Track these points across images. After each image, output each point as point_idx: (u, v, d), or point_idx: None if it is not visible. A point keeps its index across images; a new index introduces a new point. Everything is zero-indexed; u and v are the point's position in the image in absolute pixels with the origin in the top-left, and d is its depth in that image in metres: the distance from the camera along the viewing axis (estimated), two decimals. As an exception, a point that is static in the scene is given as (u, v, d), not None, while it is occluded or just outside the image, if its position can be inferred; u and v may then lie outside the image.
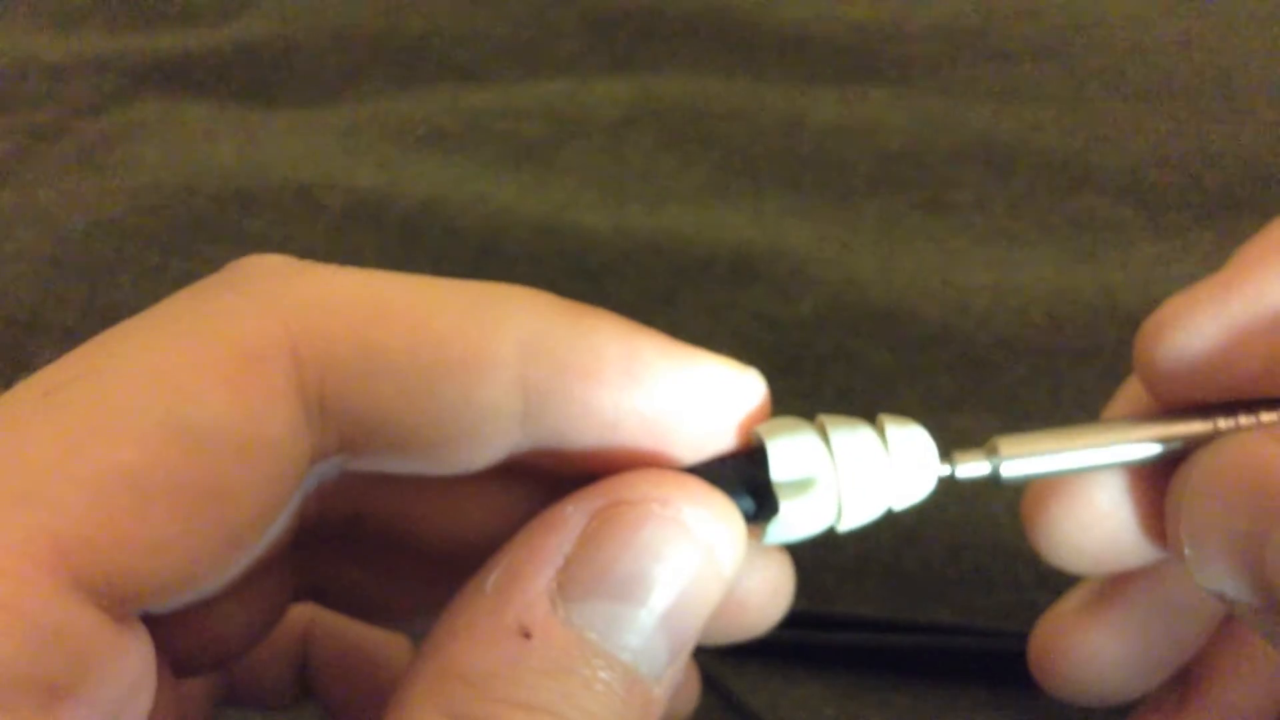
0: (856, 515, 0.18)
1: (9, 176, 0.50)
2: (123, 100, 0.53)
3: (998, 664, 0.31)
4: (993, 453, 0.20)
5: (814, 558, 0.34)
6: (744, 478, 0.17)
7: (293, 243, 0.45)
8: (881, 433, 0.18)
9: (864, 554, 0.33)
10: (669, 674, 0.16)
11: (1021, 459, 0.19)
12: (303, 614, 0.24)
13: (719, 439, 0.18)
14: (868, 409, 0.38)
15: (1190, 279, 0.44)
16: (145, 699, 0.15)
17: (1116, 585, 0.24)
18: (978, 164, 0.47)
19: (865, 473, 0.18)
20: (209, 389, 0.15)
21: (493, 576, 0.16)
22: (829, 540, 0.34)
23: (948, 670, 0.31)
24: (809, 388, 0.38)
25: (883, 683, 0.31)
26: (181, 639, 0.18)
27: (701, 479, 0.17)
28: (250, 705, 0.24)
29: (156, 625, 0.18)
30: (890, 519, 0.34)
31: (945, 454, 0.19)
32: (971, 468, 0.20)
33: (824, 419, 0.18)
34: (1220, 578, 0.18)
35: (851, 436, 0.18)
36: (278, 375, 0.16)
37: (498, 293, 0.17)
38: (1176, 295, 0.21)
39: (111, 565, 0.14)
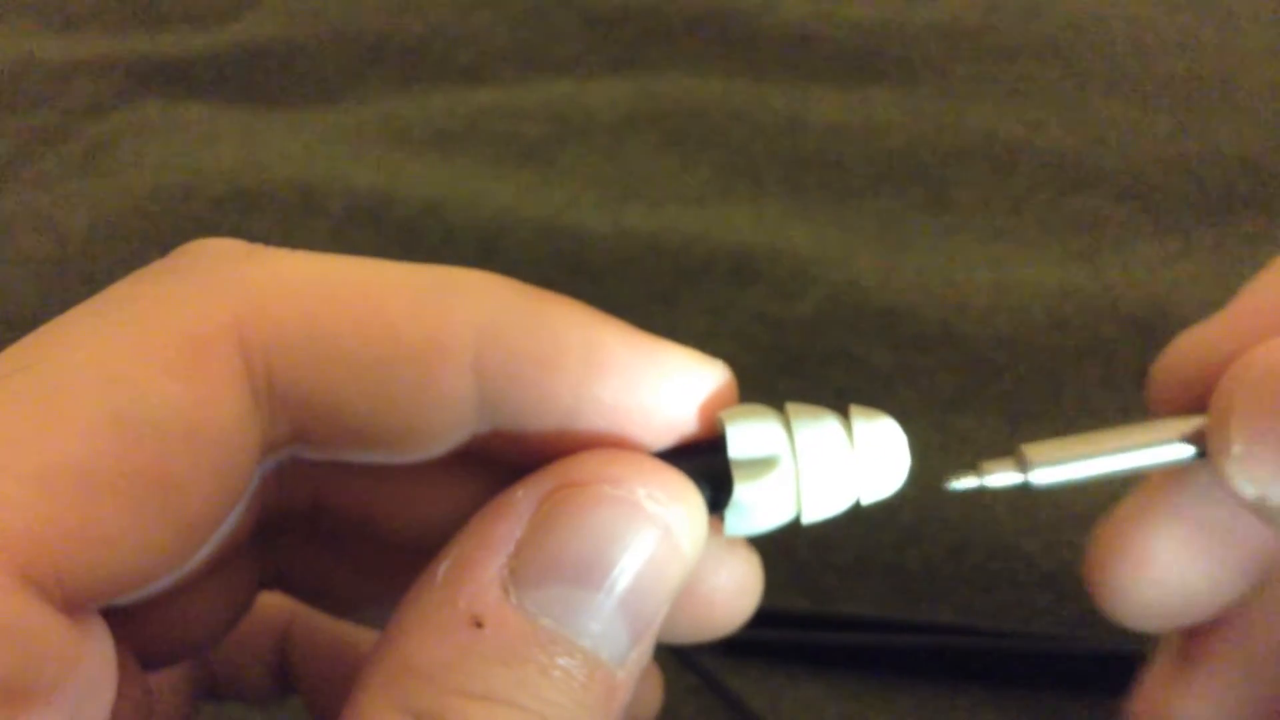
0: (819, 507, 0.18)
1: (10, 178, 0.50)
2: (124, 101, 0.54)
3: (998, 664, 0.31)
4: (1022, 461, 0.19)
5: (815, 558, 0.34)
6: (704, 463, 0.17)
7: (293, 244, 0.45)
8: (848, 424, 0.18)
9: (865, 554, 0.33)
10: (633, 658, 0.16)
11: (1052, 466, 0.19)
12: (282, 608, 0.23)
13: (681, 429, 0.17)
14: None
15: (1191, 279, 0.44)
16: (106, 695, 0.15)
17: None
18: (979, 164, 0.47)
19: (827, 463, 0.17)
20: (154, 378, 0.15)
21: (443, 566, 0.16)
22: (829, 540, 0.34)
23: (948, 670, 0.31)
24: (809, 388, 0.38)
25: (884, 683, 0.31)
26: (146, 631, 0.18)
27: (656, 458, 0.17)
28: (231, 699, 0.24)
29: (120, 618, 0.17)
30: (890, 519, 0.34)
31: (972, 464, 0.19)
32: (1001, 478, 0.19)
33: (791, 408, 0.18)
34: (1271, 478, 0.17)
35: (815, 426, 0.17)
36: (225, 362, 0.15)
37: (454, 277, 0.16)
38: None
39: (63, 561, 0.14)
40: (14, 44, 0.57)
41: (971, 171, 0.46)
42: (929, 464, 0.36)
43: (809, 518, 0.18)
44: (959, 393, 0.38)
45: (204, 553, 0.17)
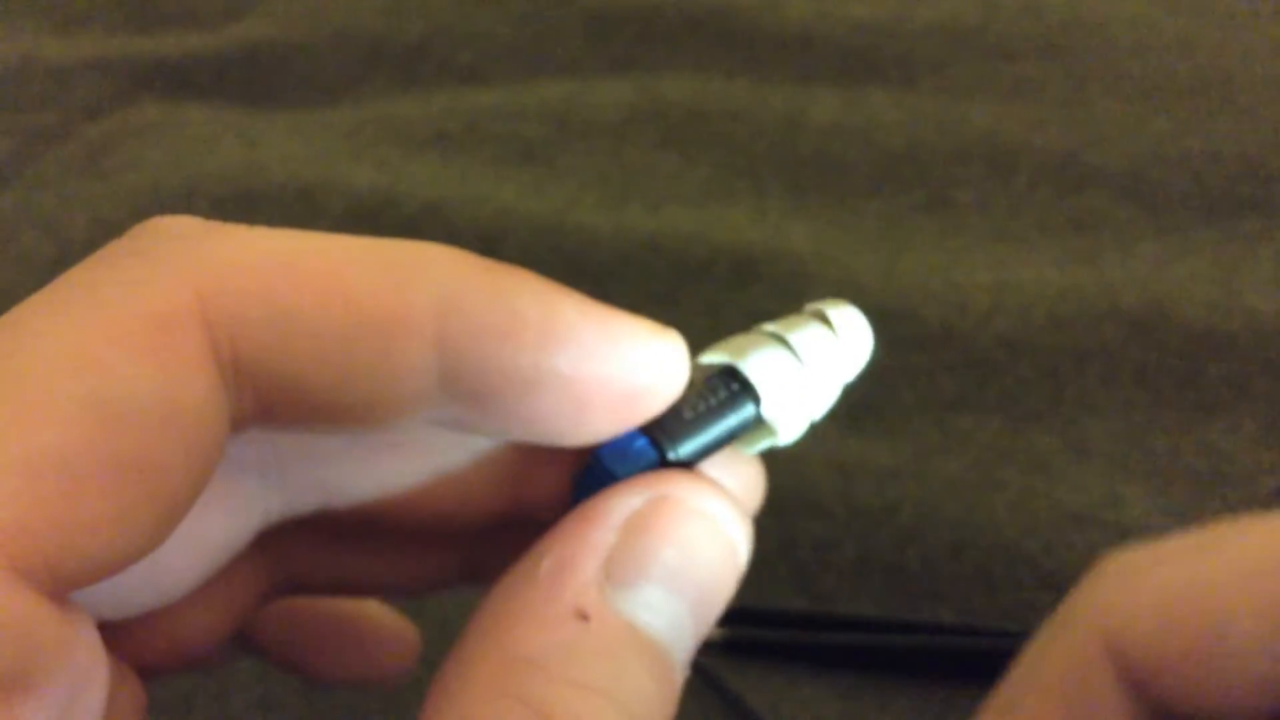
0: (826, 400, 0.19)
1: (11, 178, 0.50)
2: (124, 102, 0.54)
3: (998, 664, 0.31)
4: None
5: (815, 558, 0.34)
6: (733, 401, 0.18)
7: (294, 244, 0.45)
8: (824, 318, 0.19)
9: (865, 554, 0.33)
10: (690, 659, 0.17)
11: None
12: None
13: (636, 396, 0.18)
14: (868, 408, 0.38)
15: (1191, 279, 0.44)
16: (98, 691, 0.15)
17: None
18: (979, 163, 0.47)
19: (826, 358, 0.19)
20: (123, 361, 0.15)
21: (545, 562, 0.16)
22: (829, 540, 0.34)
23: (948, 670, 0.31)
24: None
25: (884, 683, 0.31)
26: (147, 643, 0.18)
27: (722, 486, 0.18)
28: (184, 669, 0.24)
29: (121, 631, 0.18)
30: (890, 519, 0.34)
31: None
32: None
33: (767, 326, 0.19)
34: None
35: (803, 329, 0.19)
36: (191, 340, 0.15)
37: (414, 250, 0.17)
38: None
39: (48, 548, 0.14)
40: (14, 44, 0.57)
41: (971, 171, 0.46)
42: (929, 464, 0.36)
43: (819, 414, 0.19)
44: (959, 393, 0.38)
45: (203, 568, 0.17)
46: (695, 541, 0.17)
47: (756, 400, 0.18)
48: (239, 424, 0.17)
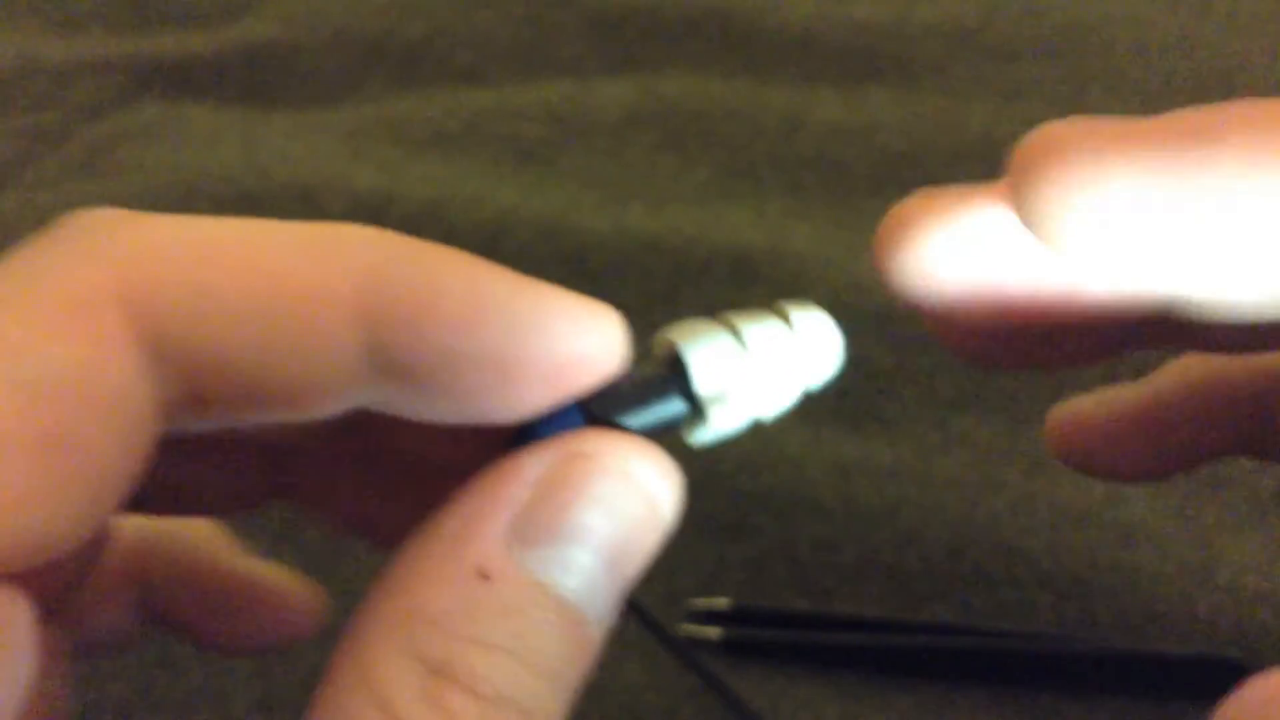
0: (776, 400, 0.19)
1: (11, 179, 0.50)
2: (125, 103, 0.54)
3: (998, 664, 0.31)
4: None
5: (814, 558, 0.34)
6: (668, 384, 0.18)
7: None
8: (784, 316, 0.19)
9: (864, 554, 0.33)
10: (607, 616, 0.17)
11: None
12: (136, 544, 0.23)
13: (569, 373, 0.17)
14: (868, 409, 0.38)
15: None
16: (24, 660, 0.16)
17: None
18: (979, 164, 0.47)
19: (777, 355, 0.18)
20: (43, 341, 0.15)
21: (451, 521, 0.16)
22: (829, 540, 0.34)
23: (948, 670, 0.31)
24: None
25: (883, 683, 0.31)
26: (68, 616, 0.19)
27: (643, 436, 0.18)
28: (94, 656, 0.24)
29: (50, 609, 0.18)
30: (890, 519, 0.34)
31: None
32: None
33: (727, 315, 0.19)
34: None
35: (759, 323, 0.18)
36: (110, 322, 0.16)
37: (335, 231, 0.17)
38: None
39: None
40: (14, 45, 0.57)
41: (971, 172, 0.46)
42: (929, 464, 0.36)
43: (769, 413, 0.19)
44: (959, 393, 0.38)
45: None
46: (608, 498, 0.17)
47: (689, 380, 0.18)
48: (172, 412, 0.17)
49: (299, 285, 0.16)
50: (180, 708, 0.31)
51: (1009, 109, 0.49)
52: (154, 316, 0.16)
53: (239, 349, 0.16)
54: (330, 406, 0.17)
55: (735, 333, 0.18)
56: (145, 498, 0.21)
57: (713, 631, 0.32)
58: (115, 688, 0.31)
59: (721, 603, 0.33)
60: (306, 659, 0.31)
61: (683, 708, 0.31)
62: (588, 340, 0.18)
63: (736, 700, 0.30)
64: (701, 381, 0.18)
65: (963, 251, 0.18)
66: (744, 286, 0.42)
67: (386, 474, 0.22)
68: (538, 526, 0.16)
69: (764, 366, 0.18)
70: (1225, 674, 0.30)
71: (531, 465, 0.17)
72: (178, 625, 0.24)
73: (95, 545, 0.21)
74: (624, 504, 0.17)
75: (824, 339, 0.19)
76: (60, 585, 0.20)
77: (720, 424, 0.19)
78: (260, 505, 0.23)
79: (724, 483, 0.35)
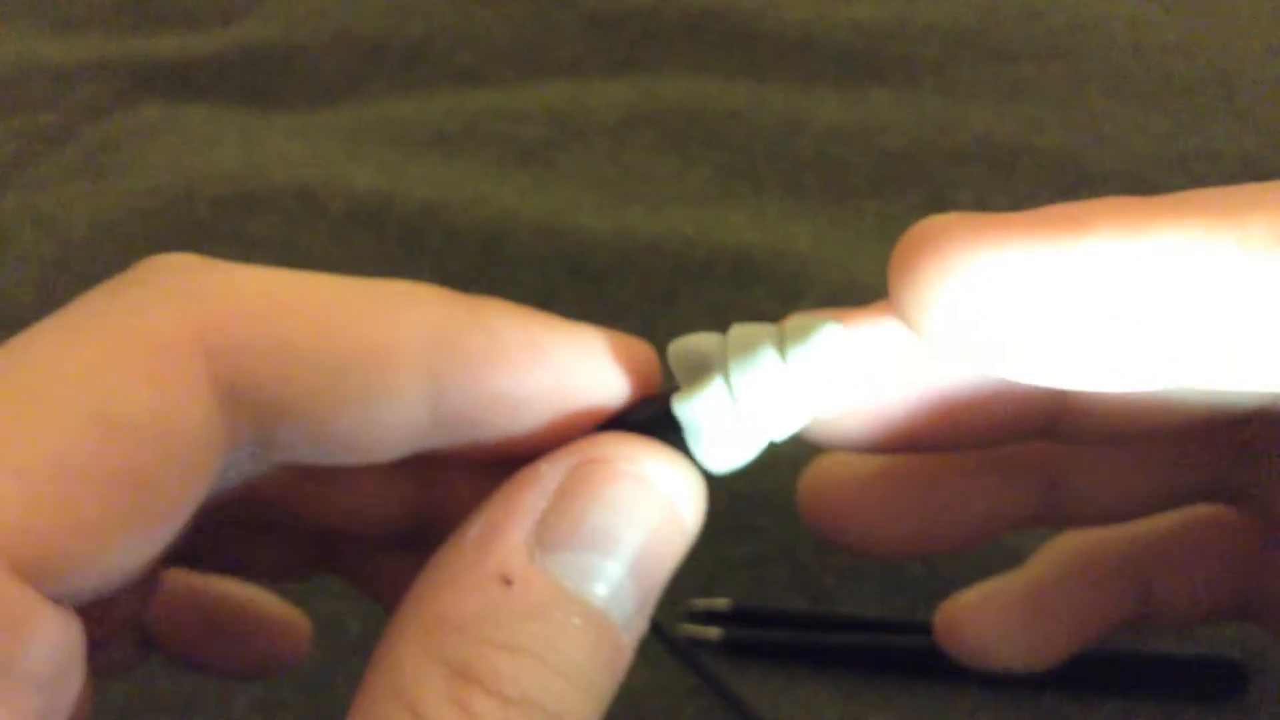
0: (771, 429, 0.18)
1: (12, 180, 0.50)
2: (125, 104, 0.54)
3: (998, 664, 0.31)
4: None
5: (815, 558, 0.34)
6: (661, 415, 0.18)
7: (294, 245, 0.45)
8: (781, 349, 0.18)
9: (865, 554, 0.33)
10: (636, 623, 0.17)
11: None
12: None
13: (612, 403, 0.19)
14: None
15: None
16: (75, 680, 0.16)
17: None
18: (979, 164, 0.47)
19: (762, 387, 0.18)
20: (127, 382, 0.16)
21: (474, 530, 0.17)
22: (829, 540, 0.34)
23: (948, 670, 0.31)
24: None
25: (884, 683, 0.31)
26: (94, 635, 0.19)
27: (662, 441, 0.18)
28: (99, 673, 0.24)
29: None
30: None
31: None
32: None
33: (730, 334, 0.18)
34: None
35: (746, 354, 0.18)
36: (191, 367, 0.16)
37: (401, 288, 0.18)
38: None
39: (44, 548, 0.15)
40: (15, 46, 0.57)
41: (971, 172, 0.46)
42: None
43: (764, 442, 0.18)
44: (959, 393, 0.38)
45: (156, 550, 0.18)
46: (627, 503, 0.17)
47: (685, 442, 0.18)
48: (235, 446, 0.17)
49: (370, 339, 0.17)
50: (180, 708, 0.31)
51: (1009, 109, 0.49)
52: (231, 363, 0.17)
53: (309, 397, 0.17)
54: (391, 452, 0.18)
55: (728, 382, 0.18)
56: (199, 559, 0.23)
57: (713, 631, 0.32)
58: (116, 688, 0.31)
59: (721, 603, 0.33)
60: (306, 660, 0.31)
61: (683, 708, 0.31)
62: (627, 376, 0.19)
63: (737, 700, 0.30)
64: (698, 450, 0.18)
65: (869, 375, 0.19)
66: (744, 286, 0.42)
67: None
68: (558, 531, 0.17)
69: (755, 417, 0.18)
70: (1225, 674, 0.30)
71: (551, 472, 0.17)
72: (175, 652, 0.24)
73: (147, 587, 0.21)
74: (643, 509, 0.17)
75: (827, 369, 0.18)
76: (113, 623, 0.21)
77: (725, 464, 0.18)
78: (309, 578, 0.24)
79: (724, 484, 0.35)
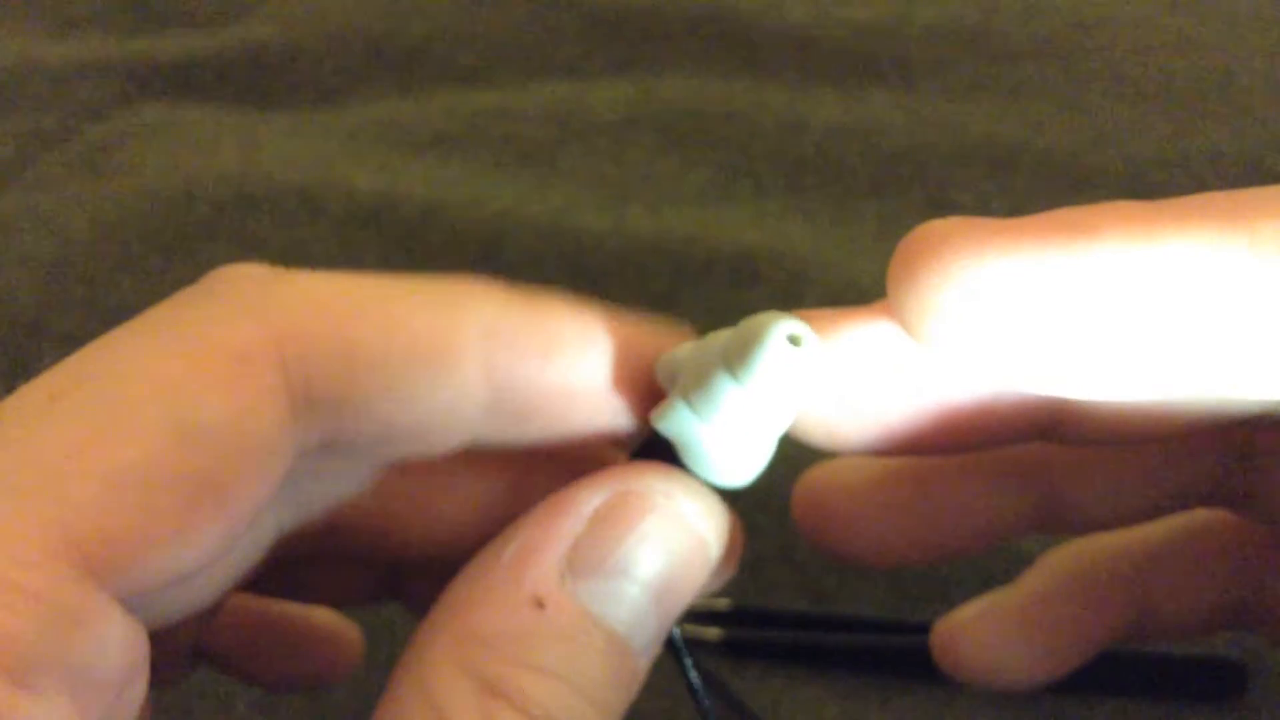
0: (750, 454, 0.18)
1: (11, 180, 0.50)
2: (125, 104, 0.54)
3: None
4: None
5: (815, 559, 0.34)
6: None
7: (294, 246, 0.45)
8: (732, 374, 0.17)
9: (865, 554, 0.33)
10: (653, 649, 0.18)
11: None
12: None
13: (655, 389, 0.19)
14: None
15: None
16: (140, 687, 0.16)
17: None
18: (979, 164, 0.47)
19: (730, 414, 0.18)
20: (204, 390, 0.16)
21: (509, 549, 0.17)
22: (825, 551, 0.34)
23: (948, 670, 0.31)
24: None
25: (884, 683, 0.31)
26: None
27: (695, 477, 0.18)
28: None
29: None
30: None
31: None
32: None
33: (693, 361, 0.18)
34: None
35: (697, 375, 0.18)
36: (266, 375, 0.17)
37: (459, 287, 0.19)
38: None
39: (119, 554, 0.15)
40: (15, 46, 0.57)
41: (971, 172, 0.46)
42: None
43: (757, 451, 0.18)
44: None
45: (233, 579, 0.19)
46: (659, 535, 0.18)
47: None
48: (305, 449, 0.18)
49: (433, 340, 0.18)
50: (181, 708, 0.31)
51: (1009, 109, 0.49)
52: (303, 370, 0.17)
53: (378, 397, 0.18)
54: (450, 444, 0.19)
55: (690, 404, 0.18)
56: (266, 584, 0.23)
57: (713, 632, 0.32)
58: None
59: (721, 603, 0.33)
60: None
61: (683, 708, 0.31)
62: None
63: (737, 700, 0.30)
64: (696, 467, 0.18)
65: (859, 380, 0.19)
66: (744, 287, 0.42)
67: None
68: (591, 559, 0.17)
69: (731, 432, 0.18)
70: (1225, 674, 0.30)
71: (588, 499, 0.18)
72: (227, 665, 0.25)
73: (214, 608, 0.22)
74: (674, 542, 0.18)
75: (783, 379, 0.17)
76: (177, 643, 0.22)
77: (730, 478, 0.19)
78: (372, 604, 0.25)
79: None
